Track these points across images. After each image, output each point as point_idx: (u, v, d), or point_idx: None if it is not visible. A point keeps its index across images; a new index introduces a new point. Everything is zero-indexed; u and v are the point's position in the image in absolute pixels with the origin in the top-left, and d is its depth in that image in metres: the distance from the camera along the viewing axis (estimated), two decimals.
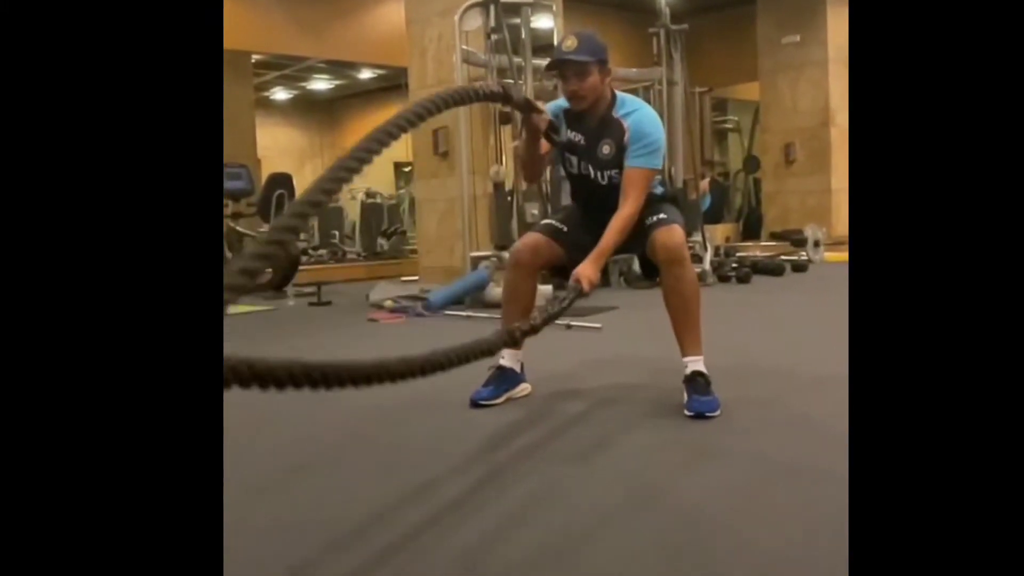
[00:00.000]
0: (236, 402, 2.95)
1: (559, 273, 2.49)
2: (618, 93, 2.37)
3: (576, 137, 2.36)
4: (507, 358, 2.42)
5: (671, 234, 2.22)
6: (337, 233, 11.31)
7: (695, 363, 2.25)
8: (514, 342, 2.05)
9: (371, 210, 11.37)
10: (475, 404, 2.33)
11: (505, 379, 2.41)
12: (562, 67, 2.29)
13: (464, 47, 5.43)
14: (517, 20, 5.59)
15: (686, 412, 2.14)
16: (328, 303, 5.74)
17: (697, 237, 6.25)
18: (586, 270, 2.16)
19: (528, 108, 2.11)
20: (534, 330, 1.79)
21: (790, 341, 3.54)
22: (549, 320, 1.87)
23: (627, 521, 1.48)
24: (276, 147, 14.16)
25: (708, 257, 6.20)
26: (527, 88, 5.49)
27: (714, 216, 10.01)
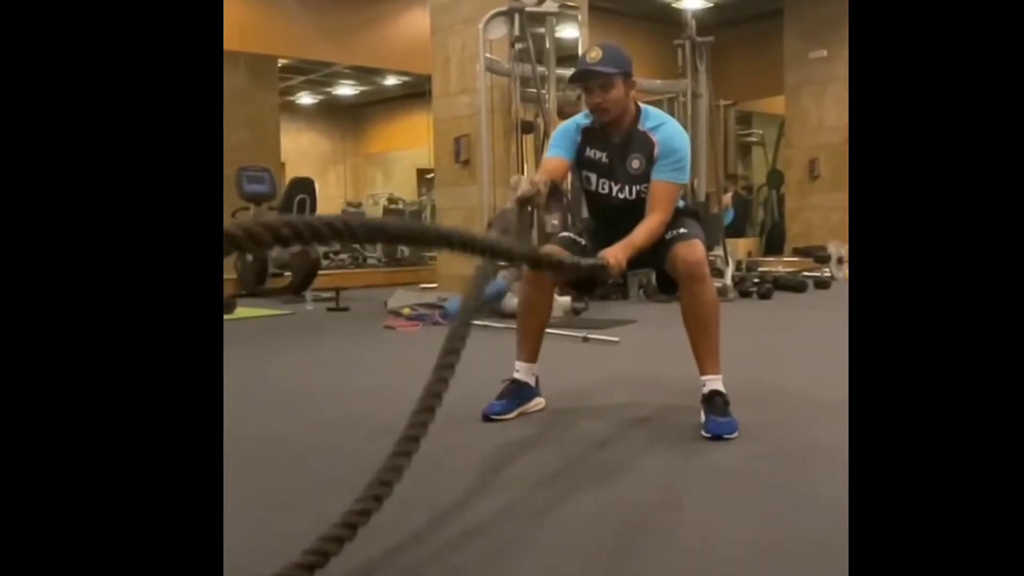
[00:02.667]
0: (244, 412, 2.94)
1: (575, 287, 2.45)
2: (642, 106, 2.33)
3: (596, 155, 2.32)
4: (522, 372, 2.38)
5: (692, 249, 2.18)
6: None
7: (714, 382, 2.20)
8: (538, 263, 2.02)
9: (393, 216, 11.39)
10: (487, 418, 2.30)
11: (519, 393, 2.37)
12: (586, 79, 2.25)
13: (488, 56, 5.41)
14: (542, 29, 5.57)
15: (703, 433, 2.09)
16: (346, 309, 5.74)
17: (718, 251, 6.19)
18: (616, 252, 2.13)
19: (526, 203, 2.07)
20: (559, 265, 2.00)
21: (812, 361, 3.48)
22: (564, 267, 2.04)
23: (638, 548, 1.44)
24: (300, 151, 14.25)
25: (729, 272, 6.14)
26: (550, 99, 5.47)
27: (736, 230, 9.94)
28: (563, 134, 2.38)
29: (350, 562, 1.37)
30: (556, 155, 2.36)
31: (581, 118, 2.38)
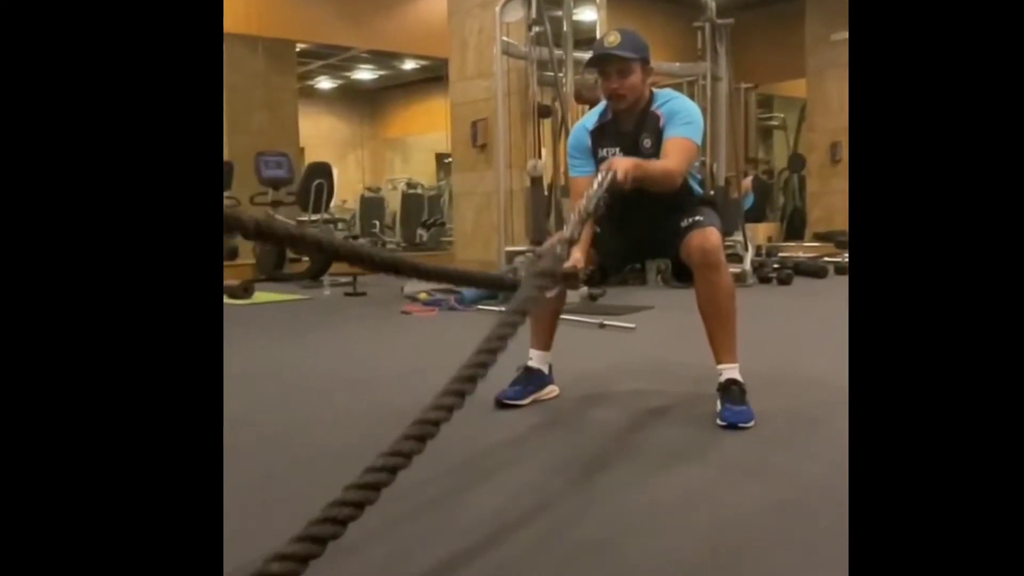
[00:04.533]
0: (259, 397, 2.92)
1: (589, 277, 2.42)
2: (655, 90, 2.30)
3: (609, 152, 2.28)
4: (535, 360, 2.37)
5: (707, 237, 2.15)
6: (378, 223, 11.36)
7: (730, 371, 2.17)
8: (555, 279, 1.74)
9: (412, 201, 11.40)
10: (500, 404, 2.29)
11: (532, 380, 2.36)
12: (604, 63, 2.21)
13: (505, 39, 5.38)
14: (559, 12, 5.53)
15: (718, 422, 2.07)
16: (363, 294, 5.75)
17: (738, 236, 6.14)
18: (624, 162, 2.00)
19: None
20: (572, 243, 1.77)
21: (831, 349, 3.43)
22: (584, 215, 1.83)
23: (649, 538, 1.43)
24: (319, 136, 14.26)
25: (749, 257, 6.08)
26: (567, 82, 5.43)
27: (756, 215, 9.86)
28: (576, 146, 2.35)
29: (353, 554, 1.37)
30: (581, 174, 2.31)
31: (587, 120, 2.35)
